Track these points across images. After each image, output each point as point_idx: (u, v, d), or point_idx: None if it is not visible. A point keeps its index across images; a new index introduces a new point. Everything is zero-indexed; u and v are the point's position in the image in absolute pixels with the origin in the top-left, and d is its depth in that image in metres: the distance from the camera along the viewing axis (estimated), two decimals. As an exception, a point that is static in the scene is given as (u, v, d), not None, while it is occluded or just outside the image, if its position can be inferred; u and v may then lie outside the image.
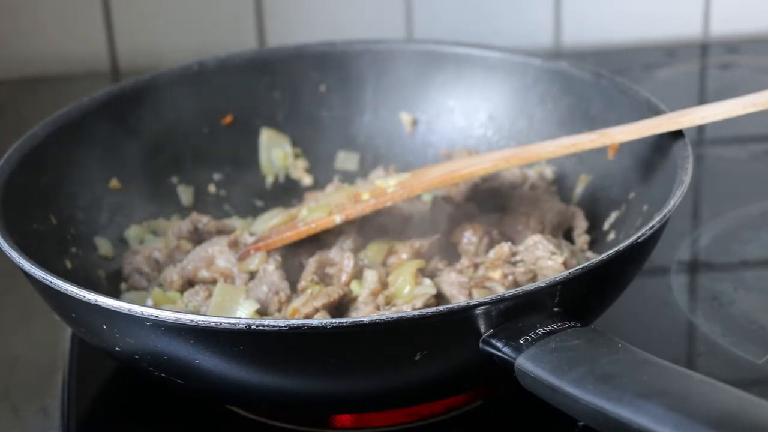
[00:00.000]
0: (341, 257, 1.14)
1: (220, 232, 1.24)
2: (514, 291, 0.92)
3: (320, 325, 0.89)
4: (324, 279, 1.14)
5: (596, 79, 1.25)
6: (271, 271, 1.14)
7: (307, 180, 1.35)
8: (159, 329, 0.92)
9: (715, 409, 0.80)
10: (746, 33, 1.77)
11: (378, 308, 1.09)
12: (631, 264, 1.02)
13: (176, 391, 1.06)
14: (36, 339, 1.19)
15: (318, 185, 1.34)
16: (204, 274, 1.17)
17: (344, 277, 1.13)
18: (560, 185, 1.27)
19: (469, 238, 1.17)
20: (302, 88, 1.35)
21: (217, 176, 1.33)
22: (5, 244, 1.00)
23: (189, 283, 1.18)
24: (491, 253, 1.13)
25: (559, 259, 1.11)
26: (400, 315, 0.89)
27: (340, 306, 1.10)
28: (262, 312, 1.11)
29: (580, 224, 1.22)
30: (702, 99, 1.62)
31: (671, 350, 1.13)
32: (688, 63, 1.72)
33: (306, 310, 1.08)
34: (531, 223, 1.20)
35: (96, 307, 0.93)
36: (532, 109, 1.30)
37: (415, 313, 0.89)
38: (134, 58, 1.73)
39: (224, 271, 1.17)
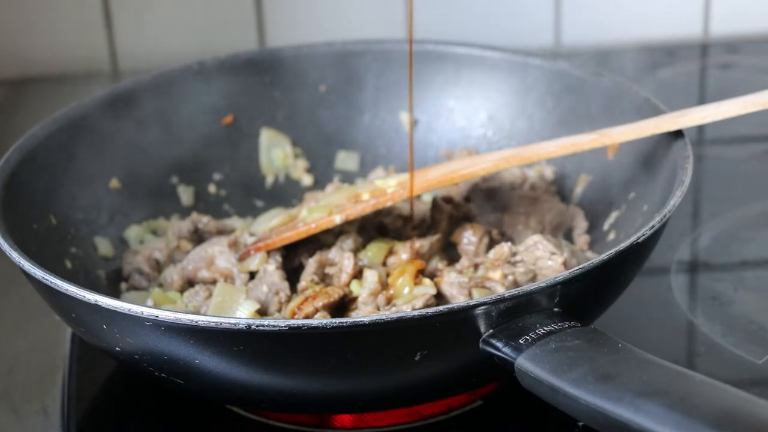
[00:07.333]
0: (341, 257, 1.14)
1: (220, 232, 1.24)
2: (514, 291, 0.92)
3: (320, 325, 0.89)
4: (324, 279, 1.14)
5: (596, 79, 1.25)
6: (271, 271, 1.14)
7: (307, 180, 1.35)
8: (159, 329, 0.92)
9: (715, 409, 0.80)
10: (746, 33, 1.77)
11: (378, 308, 1.09)
12: (631, 264, 1.02)
13: (176, 391, 1.06)
14: (36, 339, 1.19)
15: (318, 185, 1.35)
16: (204, 274, 1.17)
17: (344, 277, 1.13)
18: (560, 185, 1.27)
19: (469, 238, 1.17)
20: (302, 88, 1.35)
21: (217, 176, 1.33)
22: (5, 244, 1.00)
23: (189, 283, 1.18)
24: (491, 253, 1.13)
25: (559, 259, 1.11)
26: (400, 315, 0.89)
27: (340, 306, 1.10)
28: (262, 312, 1.11)
29: (580, 224, 1.22)
30: (702, 99, 1.62)
31: (671, 350, 1.13)
32: (688, 63, 1.72)
33: (306, 310, 1.08)
34: (531, 223, 1.20)
35: (96, 307, 0.93)
36: (532, 109, 1.30)
37: (415, 313, 0.89)
38: (134, 58, 1.73)
39: (224, 271, 1.17)
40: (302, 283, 1.13)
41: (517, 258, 1.13)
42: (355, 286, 1.12)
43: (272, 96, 1.35)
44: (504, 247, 1.13)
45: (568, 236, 1.22)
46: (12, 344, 1.19)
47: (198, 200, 1.31)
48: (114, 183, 1.25)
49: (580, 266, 0.94)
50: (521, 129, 1.31)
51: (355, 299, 1.11)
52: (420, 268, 1.12)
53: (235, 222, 1.29)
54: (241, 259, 1.17)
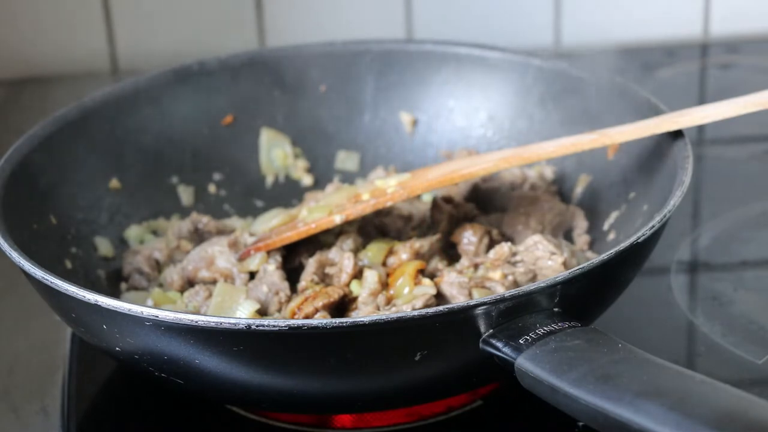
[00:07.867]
0: (341, 257, 1.14)
1: (220, 232, 1.24)
2: (514, 291, 0.92)
3: (320, 325, 0.89)
4: (324, 279, 1.14)
5: (596, 79, 1.25)
6: (271, 271, 1.14)
7: (307, 180, 1.35)
8: (159, 329, 0.92)
9: (715, 409, 0.80)
10: (746, 33, 1.77)
11: (378, 308, 1.09)
12: (631, 264, 1.02)
13: (176, 391, 1.06)
14: (36, 339, 1.19)
15: (318, 185, 1.34)
16: (204, 274, 1.17)
17: (344, 277, 1.13)
18: (560, 185, 1.27)
19: (469, 238, 1.17)
20: (302, 88, 1.35)
21: (217, 176, 1.33)
22: (5, 244, 1.00)
23: (189, 283, 1.18)
24: (491, 253, 1.13)
25: (559, 259, 1.11)
26: (400, 315, 0.89)
27: (340, 306, 1.10)
28: (262, 312, 1.11)
29: (580, 224, 1.22)
30: (702, 99, 1.62)
31: (671, 350, 1.13)
32: (688, 63, 1.72)
33: (306, 310, 1.08)
34: (531, 223, 1.20)
35: (96, 307, 0.93)
36: (532, 109, 1.30)
37: (415, 313, 0.89)
38: (134, 58, 1.73)
39: (224, 271, 1.17)
40: (302, 283, 1.13)
41: (517, 258, 1.13)
42: (355, 286, 1.12)
43: (272, 96, 1.35)
44: (504, 247, 1.13)
45: (568, 236, 1.22)
46: (12, 344, 1.19)
47: (198, 200, 1.31)
48: (114, 183, 1.25)
49: (580, 266, 0.94)
50: (521, 129, 1.31)
51: (355, 299, 1.11)
52: (420, 268, 1.12)
53: (235, 222, 1.29)
54: (241, 259, 1.17)
